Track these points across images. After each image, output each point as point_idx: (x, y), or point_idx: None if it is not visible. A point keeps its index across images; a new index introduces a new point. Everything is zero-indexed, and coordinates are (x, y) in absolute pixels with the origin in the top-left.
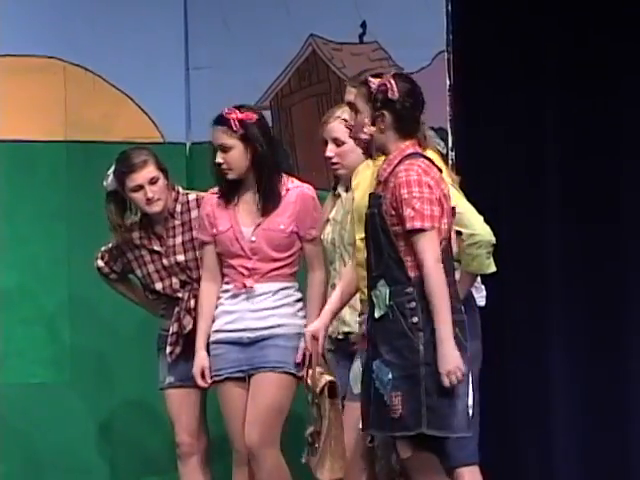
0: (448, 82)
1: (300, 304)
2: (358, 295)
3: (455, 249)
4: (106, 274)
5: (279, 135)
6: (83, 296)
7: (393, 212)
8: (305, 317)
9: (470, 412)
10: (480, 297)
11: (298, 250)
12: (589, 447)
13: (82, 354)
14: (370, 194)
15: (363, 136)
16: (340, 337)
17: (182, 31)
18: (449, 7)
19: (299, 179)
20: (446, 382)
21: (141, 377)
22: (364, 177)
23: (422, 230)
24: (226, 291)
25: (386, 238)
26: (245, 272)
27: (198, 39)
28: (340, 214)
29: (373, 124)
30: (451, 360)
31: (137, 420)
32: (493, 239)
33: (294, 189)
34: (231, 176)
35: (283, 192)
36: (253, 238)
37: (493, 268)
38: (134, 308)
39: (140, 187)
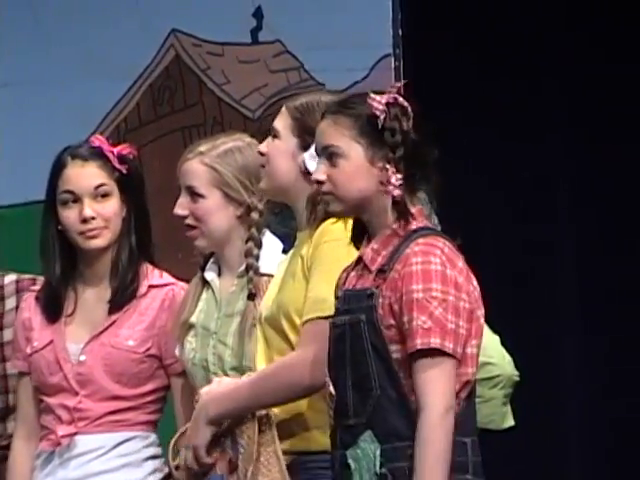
0: None
1: (154, 464)
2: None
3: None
4: None
5: None
6: None
7: (393, 321)
8: None
9: None
10: None
11: (162, 388)
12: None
13: None
14: (343, 292)
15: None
16: None
17: None
18: None
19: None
20: None
21: None
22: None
23: (437, 353)
24: (39, 455)
25: (381, 363)
26: (64, 416)
27: None
28: (214, 316)
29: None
30: None
31: None
32: (516, 373)
33: (161, 288)
34: (100, 242)
35: (143, 288)
36: (82, 357)
37: (511, 421)
38: None
39: None
